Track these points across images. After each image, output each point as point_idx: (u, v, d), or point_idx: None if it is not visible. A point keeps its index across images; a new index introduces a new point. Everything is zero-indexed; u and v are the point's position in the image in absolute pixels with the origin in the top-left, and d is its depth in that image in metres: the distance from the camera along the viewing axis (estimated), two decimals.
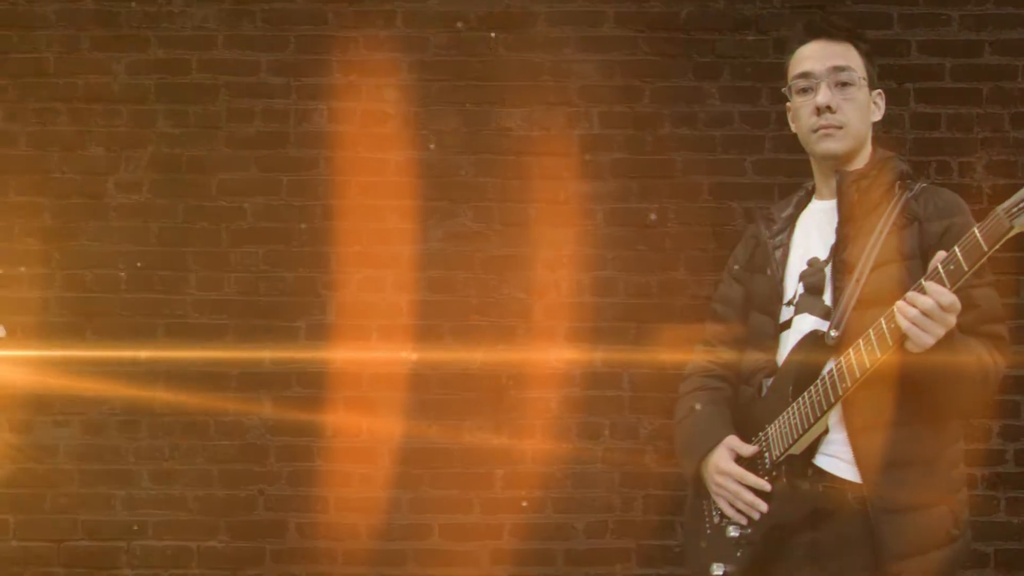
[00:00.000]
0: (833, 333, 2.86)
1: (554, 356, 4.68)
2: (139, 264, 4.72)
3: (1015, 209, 2.55)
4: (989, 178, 4.66)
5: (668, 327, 4.54)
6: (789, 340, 2.95)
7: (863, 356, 2.75)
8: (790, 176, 4.40)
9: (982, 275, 2.78)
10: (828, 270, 2.93)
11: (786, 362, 2.94)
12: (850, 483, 2.84)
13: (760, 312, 3.05)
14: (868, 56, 3.02)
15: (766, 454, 2.93)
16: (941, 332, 2.67)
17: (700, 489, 3.07)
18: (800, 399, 2.86)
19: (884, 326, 2.72)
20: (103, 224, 4.73)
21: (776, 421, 2.91)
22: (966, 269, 2.62)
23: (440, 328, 4.71)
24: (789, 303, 2.98)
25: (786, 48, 3.10)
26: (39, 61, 4.76)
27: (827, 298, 2.92)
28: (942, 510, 2.86)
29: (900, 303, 2.69)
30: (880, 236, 2.89)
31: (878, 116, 3.06)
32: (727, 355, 3.15)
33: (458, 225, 4.74)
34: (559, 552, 4.67)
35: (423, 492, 4.66)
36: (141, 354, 4.65)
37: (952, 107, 4.72)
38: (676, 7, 4.77)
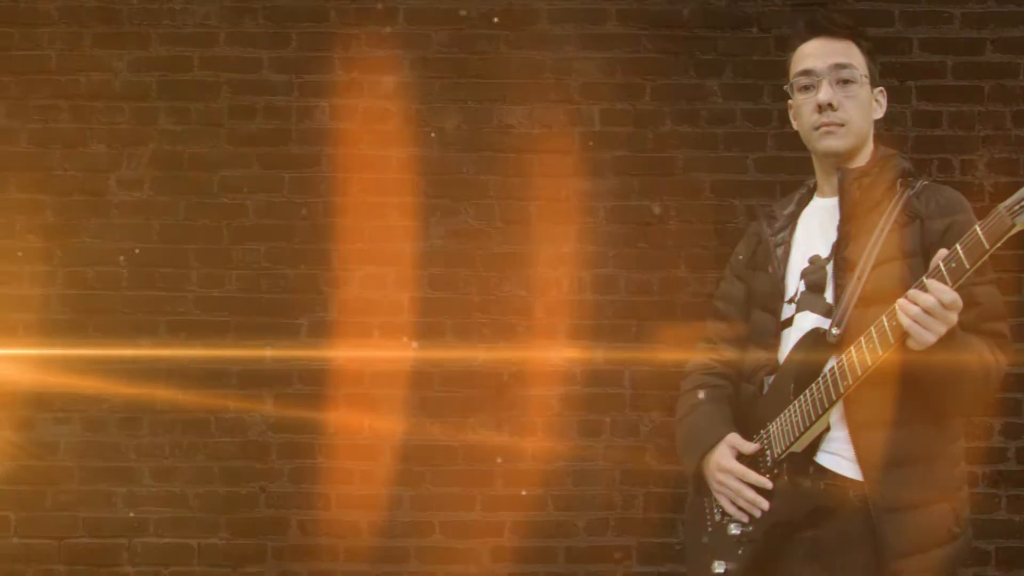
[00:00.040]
0: (835, 331, 2.85)
1: (555, 353, 4.68)
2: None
3: (1017, 207, 2.54)
4: (991, 176, 4.66)
5: (669, 325, 4.55)
6: (790, 338, 2.95)
7: (864, 354, 2.75)
8: (792, 174, 4.40)
9: (984, 273, 2.78)
10: (830, 268, 2.93)
11: (787, 360, 2.94)
12: (851, 481, 2.84)
13: (761, 310, 3.05)
14: (870, 54, 3.01)
15: (767, 452, 2.93)
16: (943, 330, 2.66)
17: (701, 487, 3.07)
18: (801, 397, 2.86)
19: (886, 324, 2.72)
20: (104, 221, 4.73)
21: (777, 419, 2.91)
22: (968, 267, 2.62)
23: (441, 325, 4.71)
24: (790, 301, 2.98)
25: (788, 46, 3.10)
26: (41, 58, 4.76)
27: (829, 296, 2.91)
28: (943, 508, 2.86)
29: (902, 301, 2.69)
30: (882, 234, 2.89)
31: (880, 114, 3.05)
32: (728, 353, 3.15)
33: (459, 222, 4.74)
34: (560, 549, 4.67)
35: (424, 489, 4.67)
36: (142, 351, 4.66)
37: (954, 105, 4.72)
38: (678, 5, 4.77)
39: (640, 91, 4.76)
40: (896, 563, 2.80)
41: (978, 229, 2.60)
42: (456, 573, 4.65)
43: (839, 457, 2.87)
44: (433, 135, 4.75)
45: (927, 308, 2.65)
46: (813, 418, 2.83)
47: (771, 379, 2.98)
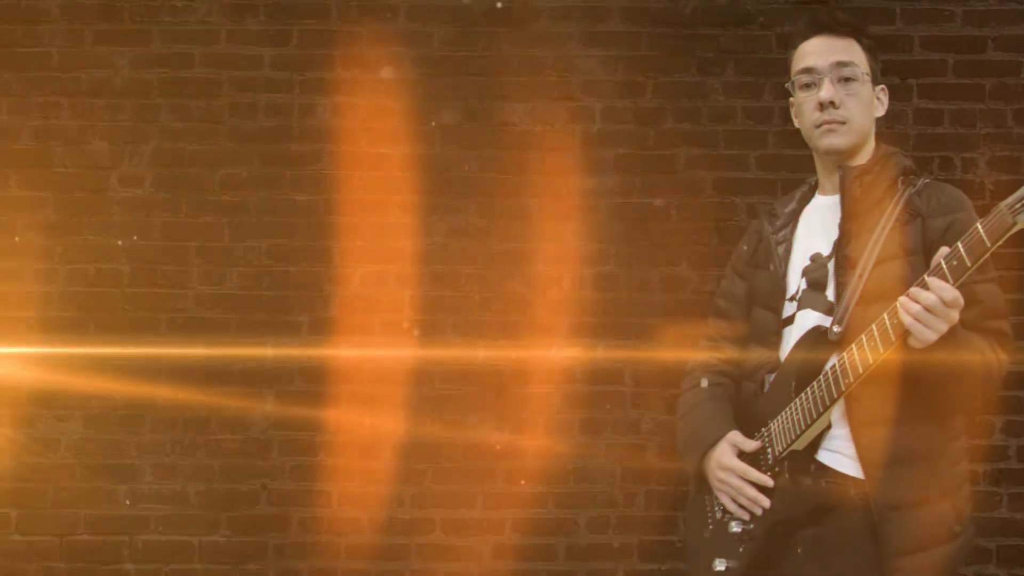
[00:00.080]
0: (836, 329, 2.85)
1: (556, 351, 4.68)
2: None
3: (1018, 205, 2.54)
4: (992, 174, 4.66)
5: (670, 322, 4.55)
6: (792, 336, 2.95)
7: (866, 352, 2.75)
8: (793, 171, 4.38)
9: (985, 271, 2.78)
10: (831, 266, 2.93)
11: (789, 358, 2.94)
12: (853, 479, 2.84)
13: (763, 308, 3.05)
14: (871, 51, 3.01)
15: (769, 450, 2.93)
16: (944, 328, 2.67)
17: (702, 485, 3.07)
18: (803, 395, 2.86)
19: (887, 322, 2.72)
20: (106, 218, 4.73)
21: (779, 417, 2.91)
22: (969, 265, 2.62)
23: (442, 323, 4.71)
24: (792, 299, 2.98)
25: (789, 43, 3.10)
26: (42, 55, 4.76)
27: (830, 294, 2.92)
28: (944, 506, 2.86)
29: (903, 299, 2.69)
30: (883, 232, 2.89)
31: (881, 112, 3.05)
32: (730, 351, 3.15)
33: (461, 220, 4.74)
34: (561, 547, 4.67)
35: (425, 487, 4.67)
36: (143, 349, 4.65)
37: (955, 103, 4.72)
38: (679, 2, 4.77)
39: (641, 89, 4.76)
40: (897, 561, 2.80)
41: (979, 227, 2.60)
42: (457, 571, 4.65)
43: (840, 455, 2.87)
44: (434, 132, 4.75)
45: (928, 306, 2.65)
46: (814, 416, 2.83)
47: (772, 377, 2.98)
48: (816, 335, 2.89)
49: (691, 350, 3.28)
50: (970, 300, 2.72)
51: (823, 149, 3.00)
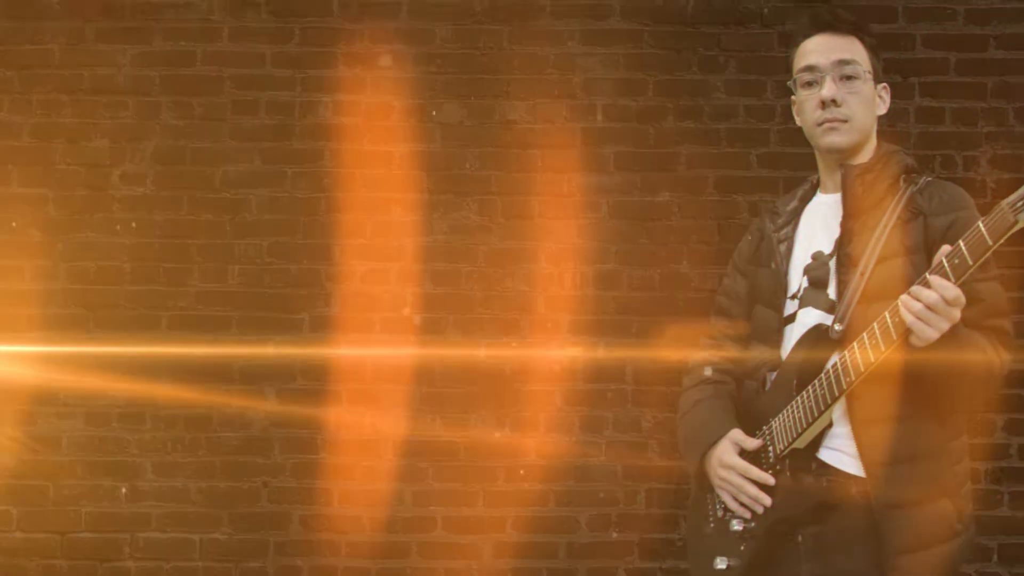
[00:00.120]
0: (837, 327, 2.85)
1: (557, 349, 4.68)
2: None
3: (1020, 203, 2.54)
4: (993, 172, 4.66)
5: (671, 321, 4.54)
6: (793, 334, 2.94)
7: (867, 350, 2.74)
8: (795, 170, 4.38)
9: (987, 269, 2.78)
10: (832, 264, 2.93)
11: (790, 356, 2.94)
12: (854, 477, 2.84)
13: (764, 306, 3.05)
14: (873, 50, 3.01)
15: (770, 448, 2.93)
16: (945, 326, 2.66)
17: (703, 483, 3.06)
18: (804, 393, 2.85)
19: (888, 320, 2.71)
20: (107, 216, 4.73)
21: (780, 415, 2.91)
22: (971, 263, 2.62)
23: (444, 321, 4.71)
24: (793, 297, 2.98)
25: (791, 41, 3.09)
26: (44, 52, 4.76)
27: (831, 292, 2.91)
28: (946, 505, 2.85)
29: (904, 297, 2.69)
30: (885, 230, 2.88)
31: (883, 110, 3.05)
32: (731, 349, 3.15)
33: (462, 218, 4.74)
34: (562, 545, 4.67)
35: (426, 485, 4.67)
36: (144, 346, 4.65)
37: (957, 101, 4.72)
38: (681, 0, 4.77)
39: (643, 87, 4.76)
40: (898, 559, 2.80)
41: (981, 225, 2.60)
42: (458, 568, 4.65)
43: (841, 453, 2.86)
44: (436, 130, 4.75)
45: (930, 304, 2.65)
46: (816, 414, 2.83)
47: (773, 375, 2.98)
48: (817, 333, 2.88)
49: (692, 348, 3.27)
50: (972, 298, 2.72)
51: (825, 147, 2.99)
